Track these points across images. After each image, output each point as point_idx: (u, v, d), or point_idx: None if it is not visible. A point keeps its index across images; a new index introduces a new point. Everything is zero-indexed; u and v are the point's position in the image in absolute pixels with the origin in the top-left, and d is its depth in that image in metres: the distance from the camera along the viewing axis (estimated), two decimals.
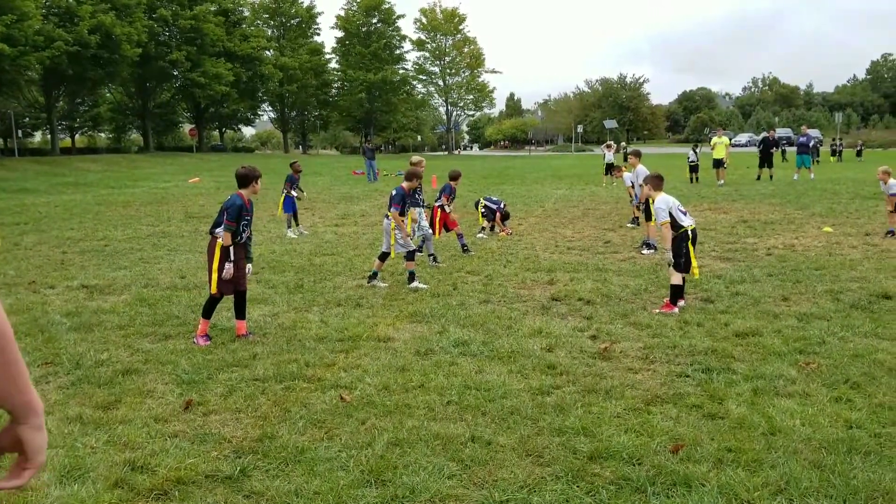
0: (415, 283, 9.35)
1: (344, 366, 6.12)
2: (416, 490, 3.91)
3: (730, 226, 14.64)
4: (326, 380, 5.74)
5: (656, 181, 8.32)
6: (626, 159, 17.13)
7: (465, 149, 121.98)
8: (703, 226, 14.78)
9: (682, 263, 7.88)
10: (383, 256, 9.67)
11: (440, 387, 5.54)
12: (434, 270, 10.52)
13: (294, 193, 14.92)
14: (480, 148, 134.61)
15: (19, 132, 68.91)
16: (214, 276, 6.89)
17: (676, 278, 7.90)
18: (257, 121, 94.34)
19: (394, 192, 9.55)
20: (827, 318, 7.40)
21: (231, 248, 6.91)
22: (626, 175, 15.70)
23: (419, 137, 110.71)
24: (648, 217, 12.43)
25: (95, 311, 8.21)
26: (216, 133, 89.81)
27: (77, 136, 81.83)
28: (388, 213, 9.56)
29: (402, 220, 9.67)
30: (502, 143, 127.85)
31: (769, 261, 10.69)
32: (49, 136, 61.15)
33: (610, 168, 27.81)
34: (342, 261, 11.46)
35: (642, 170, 12.58)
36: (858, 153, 48.42)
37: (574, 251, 12.16)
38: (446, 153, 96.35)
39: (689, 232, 7.92)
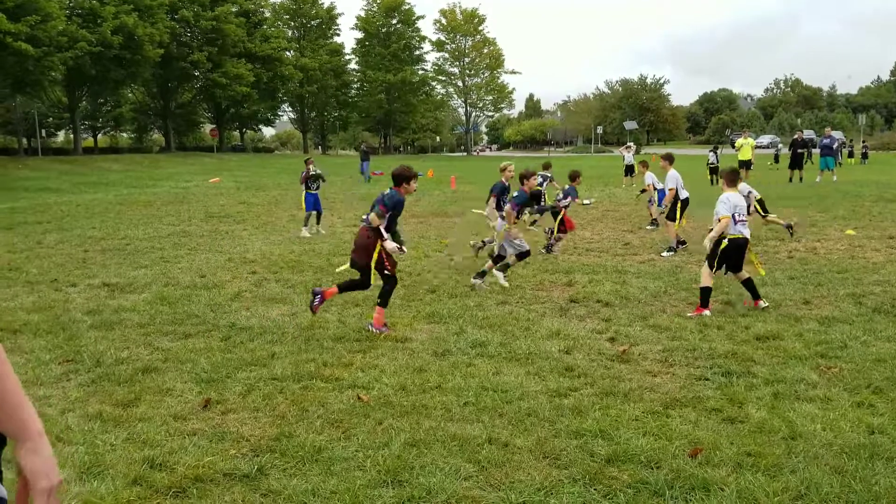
0: (501, 279, 9.32)
1: (361, 366, 6.13)
2: (433, 491, 3.91)
3: (751, 228, 14.49)
4: (344, 379, 5.75)
5: (731, 176, 8.22)
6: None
7: (483, 150, 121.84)
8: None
9: (713, 266, 7.83)
10: (497, 259, 9.60)
11: (457, 388, 5.53)
12: (451, 272, 10.50)
13: (313, 179, 14.99)
14: (499, 149, 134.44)
15: (43, 132, 69.74)
16: (373, 263, 7.29)
17: (706, 280, 7.83)
18: (277, 121, 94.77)
19: (516, 194, 9.49)
20: (849, 321, 7.31)
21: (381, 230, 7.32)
22: (649, 174, 15.61)
23: (438, 138, 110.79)
24: (671, 217, 12.39)
25: (116, 309, 8.29)
26: (236, 133, 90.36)
27: (99, 135, 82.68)
28: (502, 214, 9.57)
29: (515, 221, 9.60)
30: (490, 145, 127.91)
31: (791, 264, 10.59)
32: (72, 136, 61.88)
33: (630, 169, 27.68)
34: None
35: (673, 174, 12.49)
36: (864, 156, 46.86)
37: (593, 253, 12.11)
38: (465, 154, 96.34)
39: (730, 241, 7.80)
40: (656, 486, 3.94)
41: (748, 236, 8.00)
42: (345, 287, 7.58)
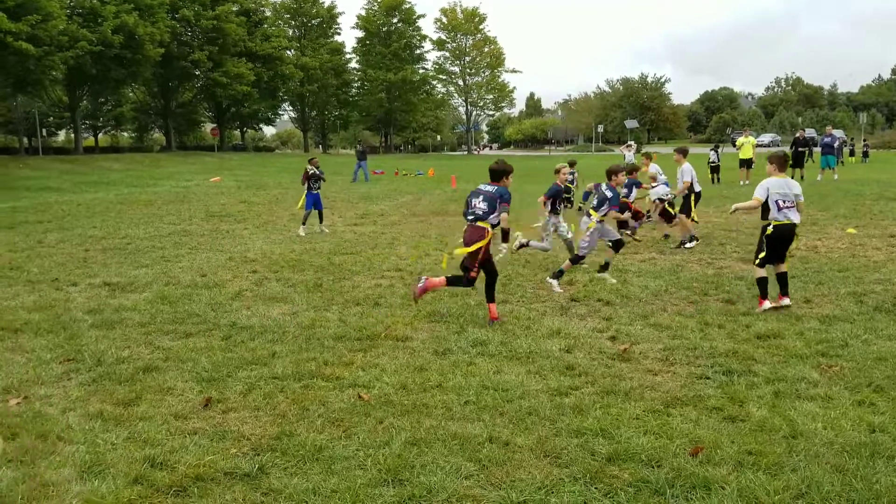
0: (555, 283, 9.20)
1: (362, 365, 6.13)
2: (434, 490, 3.91)
3: (752, 227, 14.50)
4: (345, 378, 5.76)
5: (779, 161, 8.09)
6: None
7: (483, 148, 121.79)
8: (726, 227, 14.69)
9: (761, 257, 7.82)
10: (576, 259, 9.53)
11: (458, 387, 5.53)
12: (452, 270, 10.49)
13: (314, 177, 15.04)
14: (499, 148, 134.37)
15: (44, 131, 69.77)
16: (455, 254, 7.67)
17: (759, 272, 7.84)
18: (278, 120, 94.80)
19: (611, 195, 9.36)
20: (850, 320, 7.31)
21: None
22: (654, 165, 15.69)
23: (438, 137, 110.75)
24: (685, 210, 12.51)
25: (117, 308, 8.29)
26: (237, 132, 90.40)
27: (100, 135, 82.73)
28: (590, 211, 9.47)
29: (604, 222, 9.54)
30: (490, 144, 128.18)
31: (792, 262, 10.56)
32: (73, 136, 61.92)
33: (632, 169, 27.64)
34: (361, 260, 11.48)
35: (688, 167, 12.68)
36: (865, 154, 46.61)
37: (593, 251, 12.08)
38: (466, 153, 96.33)
39: (775, 228, 7.77)
40: (657, 484, 3.94)
41: (795, 221, 7.85)
42: (451, 281, 7.81)
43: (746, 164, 25.78)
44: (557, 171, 11.05)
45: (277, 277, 10.07)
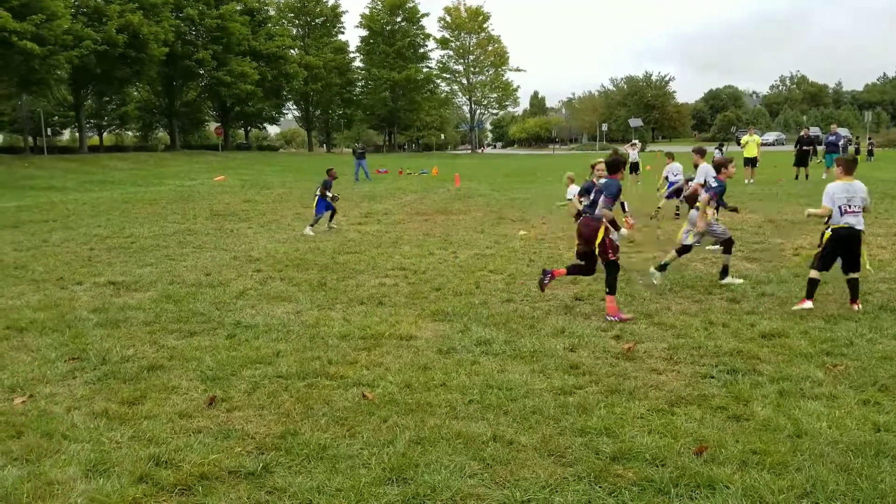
0: (658, 276, 9.18)
1: (366, 364, 6.13)
2: (438, 488, 3.91)
3: (756, 225, 14.48)
4: (349, 377, 5.76)
5: (847, 165, 8.04)
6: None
7: (487, 147, 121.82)
8: (730, 225, 14.64)
9: (819, 259, 7.78)
10: (683, 250, 9.30)
11: (462, 385, 5.53)
12: (456, 269, 10.50)
13: (329, 194, 15.19)
14: (503, 146, 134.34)
15: (48, 130, 69.92)
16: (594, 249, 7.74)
17: (812, 273, 7.78)
18: (282, 119, 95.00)
19: (716, 185, 9.12)
20: (855, 319, 7.29)
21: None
22: (675, 165, 15.98)
23: (442, 136, 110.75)
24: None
25: (122, 307, 8.31)
26: (241, 131, 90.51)
27: (105, 134, 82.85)
28: (699, 205, 9.20)
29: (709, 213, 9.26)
30: (495, 143, 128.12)
31: (796, 261, 10.56)
32: (77, 135, 62.06)
33: (635, 167, 27.59)
34: (365, 259, 11.49)
35: (705, 167, 12.64)
36: (870, 153, 46.38)
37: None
38: (470, 152, 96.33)
39: (833, 231, 7.73)
40: (661, 483, 3.93)
41: (858, 227, 7.73)
42: (572, 270, 8.12)
43: (751, 162, 25.69)
44: (593, 168, 10.86)
45: (282, 276, 10.08)
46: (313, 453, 4.37)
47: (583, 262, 8.09)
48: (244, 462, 4.26)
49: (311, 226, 14.96)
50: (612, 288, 7.66)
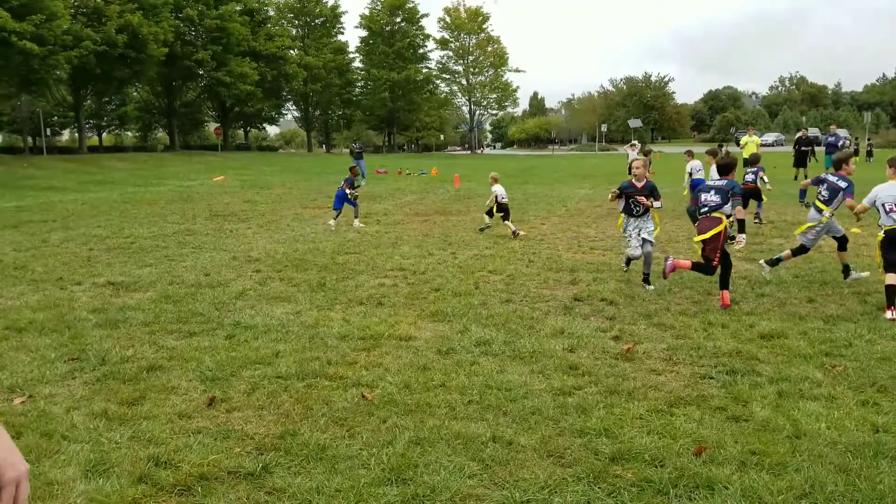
0: (767, 268, 9.44)
1: (366, 364, 6.13)
2: (437, 489, 3.91)
3: (756, 226, 14.49)
4: (348, 378, 5.76)
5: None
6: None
7: (487, 147, 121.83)
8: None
9: (887, 263, 7.68)
10: (799, 250, 9.25)
11: (461, 386, 5.53)
12: (455, 270, 10.50)
13: (349, 192, 15.90)
14: (503, 147, 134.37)
15: (48, 131, 69.93)
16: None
17: (888, 278, 7.59)
18: (281, 120, 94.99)
19: (845, 185, 8.84)
20: (854, 320, 7.30)
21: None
22: (695, 163, 16.33)
23: (442, 136, 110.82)
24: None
25: (121, 307, 8.31)
26: (241, 132, 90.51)
27: (104, 134, 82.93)
28: (820, 205, 9.01)
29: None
30: (494, 143, 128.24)
31: (795, 262, 10.56)
32: (77, 135, 62.06)
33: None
34: (364, 259, 11.49)
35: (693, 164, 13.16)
36: (869, 154, 46.31)
37: (597, 251, 12.11)
38: (469, 152, 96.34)
39: (885, 233, 7.74)
40: (660, 484, 3.94)
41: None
42: (695, 266, 8.35)
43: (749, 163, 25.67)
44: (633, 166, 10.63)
45: (281, 277, 10.08)
46: (313, 454, 4.37)
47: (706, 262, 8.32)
48: (243, 462, 4.27)
49: (334, 219, 15.58)
50: (726, 283, 8.08)
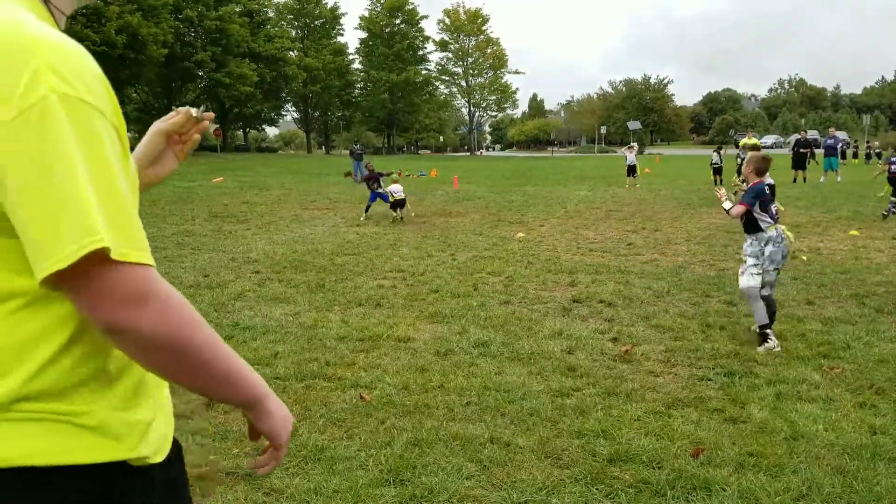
0: None
1: (364, 365, 6.14)
2: (435, 490, 3.92)
3: None
4: (346, 379, 5.77)
5: None
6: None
7: (487, 149, 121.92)
8: (727, 228, 14.69)
9: None
10: None
11: (460, 387, 5.54)
12: (454, 271, 10.51)
13: (375, 187, 17.47)
14: (502, 149, 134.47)
15: None
16: None
17: None
18: (281, 121, 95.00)
19: None
20: (852, 322, 7.31)
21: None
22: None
23: (441, 138, 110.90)
24: None
25: None
26: (240, 133, 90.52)
27: None
28: None
29: None
30: (493, 145, 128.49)
31: (794, 264, 10.57)
32: None
33: (632, 170, 27.57)
34: (364, 261, 11.49)
35: None
36: (868, 156, 46.17)
37: (596, 253, 12.12)
38: (468, 154, 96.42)
39: None
40: (658, 486, 3.94)
41: None
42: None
43: None
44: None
45: (280, 278, 10.08)
46: (310, 455, 4.38)
47: None
48: (241, 463, 4.27)
49: (366, 211, 17.19)
50: None
